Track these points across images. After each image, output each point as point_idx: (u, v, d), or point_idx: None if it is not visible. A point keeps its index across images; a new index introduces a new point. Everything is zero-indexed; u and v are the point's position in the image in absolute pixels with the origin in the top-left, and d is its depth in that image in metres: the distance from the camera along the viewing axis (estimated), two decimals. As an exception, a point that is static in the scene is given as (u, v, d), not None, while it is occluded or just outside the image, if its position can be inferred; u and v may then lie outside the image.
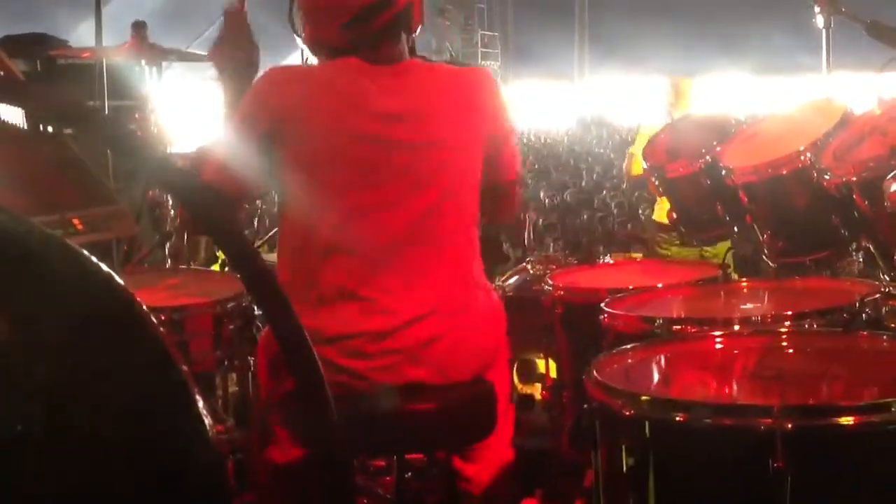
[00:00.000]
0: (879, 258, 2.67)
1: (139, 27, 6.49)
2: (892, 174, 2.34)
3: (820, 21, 4.22)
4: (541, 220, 8.00)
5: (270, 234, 4.32)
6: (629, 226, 8.02)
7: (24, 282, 0.76)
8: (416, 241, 2.30)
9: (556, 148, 18.39)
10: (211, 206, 0.83)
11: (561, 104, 26.24)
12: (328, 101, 2.28)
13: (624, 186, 10.03)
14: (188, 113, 7.43)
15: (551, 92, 26.84)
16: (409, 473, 2.87)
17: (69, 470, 0.72)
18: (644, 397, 1.67)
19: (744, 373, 1.95)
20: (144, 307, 0.81)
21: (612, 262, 3.72)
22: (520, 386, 3.57)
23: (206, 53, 2.49)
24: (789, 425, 1.49)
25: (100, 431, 0.74)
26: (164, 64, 7.11)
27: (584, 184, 11.85)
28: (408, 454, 2.62)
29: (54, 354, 0.74)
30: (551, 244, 6.53)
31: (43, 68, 7.52)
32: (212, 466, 0.82)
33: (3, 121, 4.19)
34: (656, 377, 2.00)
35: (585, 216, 8.80)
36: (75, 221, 3.15)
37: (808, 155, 2.65)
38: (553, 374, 3.22)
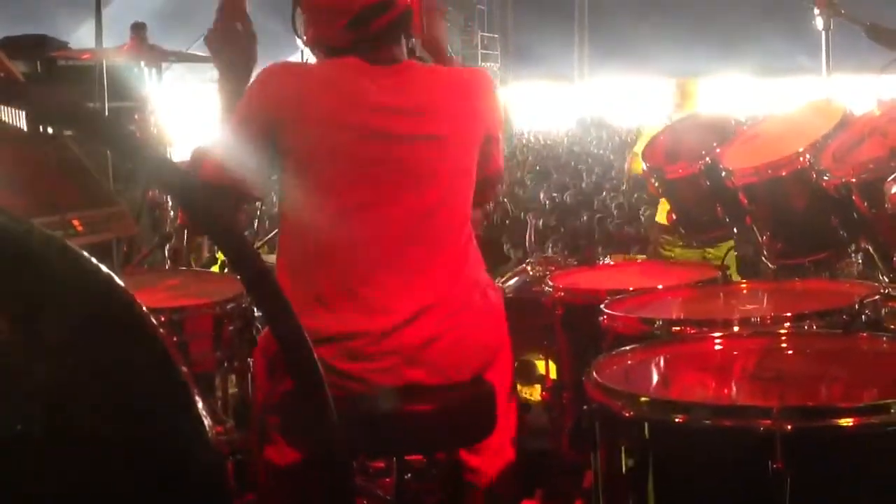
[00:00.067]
0: (879, 260, 2.67)
1: (139, 29, 6.48)
2: (892, 176, 2.34)
3: (819, 23, 4.24)
4: (541, 222, 8.00)
5: (270, 235, 4.32)
6: (625, 227, 8.02)
7: (24, 282, 0.76)
8: (415, 239, 2.30)
9: (556, 149, 18.38)
10: (210, 206, 0.83)
11: (561, 105, 26.23)
12: (327, 98, 2.28)
13: (624, 188, 10.03)
14: (188, 114, 7.44)
15: (551, 93, 26.84)
16: (409, 475, 2.87)
17: (69, 470, 0.72)
18: (644, 398, 1.67)
19: (743, 374, 1.95)
20: (144, 308, 0.81)
21: (611, 263, 3.73)
22: (519, 388, 3.57)
23: (205, 42, 2.49)
24: (789, 427, 1.49)
25: (100, 431, 0.74)
26: (164, 65, 7.11)
27: (584, 185, 11.85)
28: (407, 455, 2.62)
29: (54, 354, 0.74)
30: (550, 247, 6.53)
31: (43, 70, 7.52)
32: (212, 467, 0.82)
33: (4, 122, 4.19)
34: (656, 378, 2.00)
35: (585, 217, 8.80)
36: (75, 222, 3.15)
37: (808, 156, 2.65)
38: (553, 375, 3.22)
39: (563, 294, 2.95)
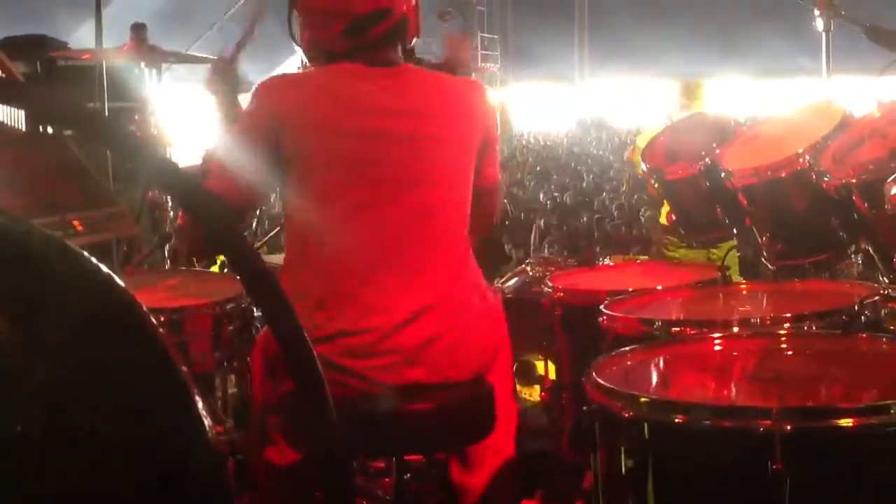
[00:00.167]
0: (879, 260, 2.67)
1: (139, 29, 6.47)
2: (892, 177, 2.34)
3: (820, 24, 4.23)
4: (542, 222, 8.01)
5: (270, 235, 4.33)
6: (622, 228, 8.03)
7: (24, 282, 0.76)
8: (414, 239, 2.31)
9: (556, 150, 18.39)
10: (210, 206, 0.83)
11: (561, 106, 26.24)
12: (325, 103, 2.30)
13: (624, 189, 10.03)
14: (188, 115, 7.43)
15: (551, 94, 26.83)
16: (409, 474, 2.87)
17: (69, 470, 0.72)
18: (643, 399, 1.67)
19: (743, 375, 1.95)
20: (144, 308, 0.81)
21: (611, 263, 3.73)
22: (519, 388, 3.57)
23: (208, 64, 2.61)
24: (788, 427, 1.49)
25: (100, 431, 0.74)
26: (164, 66, 7.10)
27: (584, 185, 11.86)
28: (407, 455, 2.62)
29: (54, 354, 0.74)
30: (546, 247, 6.53)
31: (43, 70, 7.52)
32: (212, 467, 0.82)
33: (4, 122, 4.19)
34: (655, 379, 2.00)
35: (585, 218, 8.80)
36: (75, 223, 3.15)
37: (808, 157, 2.65)
38: (552, 375, 3.23)
39: (562, 295, 2.95)
